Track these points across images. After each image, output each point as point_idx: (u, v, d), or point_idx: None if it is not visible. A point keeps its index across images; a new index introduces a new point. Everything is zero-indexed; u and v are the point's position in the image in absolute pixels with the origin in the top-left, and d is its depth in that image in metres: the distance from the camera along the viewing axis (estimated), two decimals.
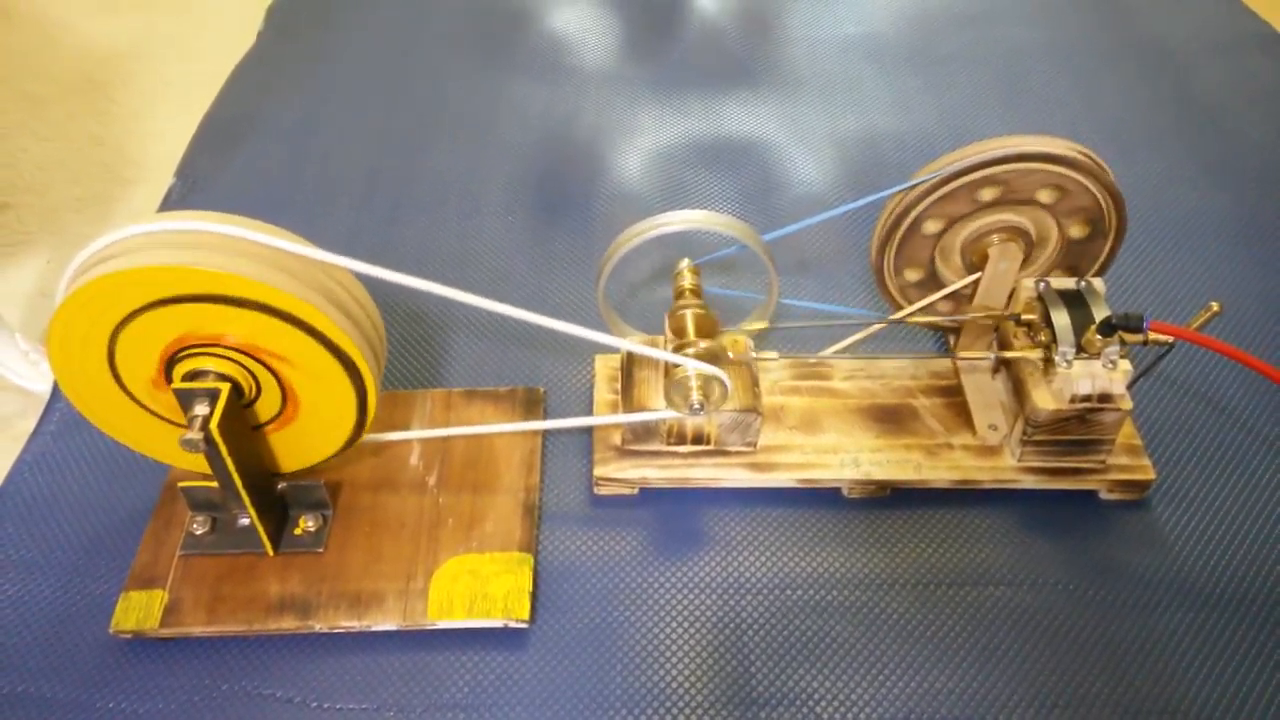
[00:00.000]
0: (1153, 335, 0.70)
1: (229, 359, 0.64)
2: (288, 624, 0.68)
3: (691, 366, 0.71)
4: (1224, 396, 0.86)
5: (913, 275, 0.81)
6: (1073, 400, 0.73)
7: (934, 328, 0.86)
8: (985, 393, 0.82)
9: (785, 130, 1.17)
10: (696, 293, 0.79)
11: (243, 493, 0.67)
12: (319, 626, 0.68)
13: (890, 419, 0.81)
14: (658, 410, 0.75)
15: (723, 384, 0.72)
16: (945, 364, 0.85)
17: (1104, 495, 0.78)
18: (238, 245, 0.61)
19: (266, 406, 0.68)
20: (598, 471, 0.78)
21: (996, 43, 1.30)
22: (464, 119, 1.20)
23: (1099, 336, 0.71)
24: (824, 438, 0.80)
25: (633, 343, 0.75)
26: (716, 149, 1.15)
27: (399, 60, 1.29)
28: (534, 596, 0.71)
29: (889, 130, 1.16)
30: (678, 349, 0.74)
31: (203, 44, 1.36)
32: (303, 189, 1.10)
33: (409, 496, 0.76)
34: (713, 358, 0.73)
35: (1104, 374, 0.72)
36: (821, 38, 1.32)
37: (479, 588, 0.70)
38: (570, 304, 0.95)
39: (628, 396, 0.79)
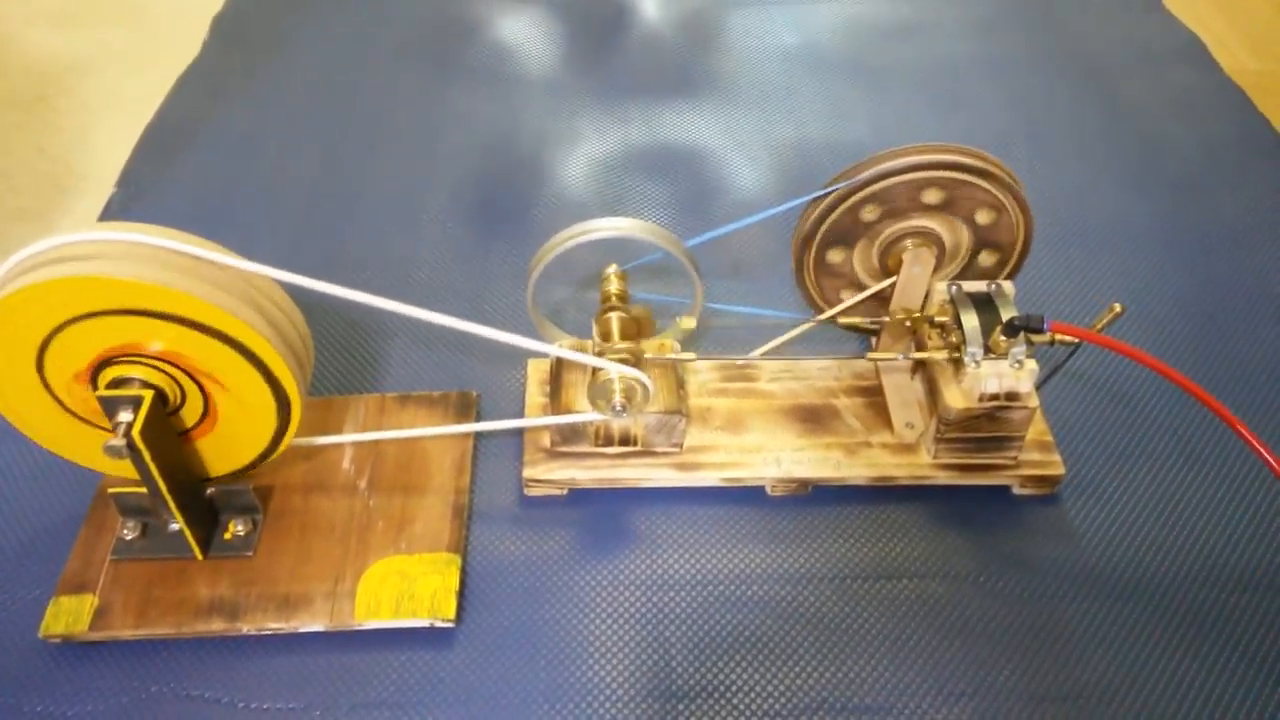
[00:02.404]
0: (1056, 336, 0.73)
1: (153, 366, 0.66)
2: (216, 626, 0.69)
3: (613, 370, 0.73)
4: (1133, 394, 0.89)
5: (846, 294, 0.83)
6: (981, 399, 0.75)
7: (855, 330, 0.88)
8: (903, 392, 0.85)
9: (723, 138, 1.19)
10: (623, 298, 0.81)
11: (169, 498, 0.68)
12: (247, 628, 0.69)
13: (813, 419, 0.84)
14: (584, 413, 0.77)
15: (644, 386, 0.74)
16: (867, 365, 0.88)
17: (1016, 490, 0.81)
18: (159, 255, 0.62)
19: (190, 413, 0.69)
20: (527, 473, 0.80)
21: (930, 55, 1.34)
22: (408, 129, 1.21)
23: (1004, 337, 0.74)
24: (748, 437, 0.82)
25: (558, 347, 0.77)
26: (656, 157, 1.17)
27: (344, 71, 1.31)
28: (461, 596, 0.73)
29: (824, 139, 1.19)
30: (600, 353, 0.76)
31: (152, 56, 1.36)
32: (246, 198, 1.11)
33: (340, 499, 0.77)
34: (635, 360, 0.75)
35: (1010, 373, 0.75)
36: (759, 48, 1.34)
37: (406, 588, 0.72)
38: (508, 310, 0.97)
39: (556, 400, 0.80)
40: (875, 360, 0.80)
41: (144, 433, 0.64)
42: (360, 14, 1.41)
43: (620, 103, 1.25)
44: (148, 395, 0.65)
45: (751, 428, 0.83)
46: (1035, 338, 0.74)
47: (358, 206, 1.10)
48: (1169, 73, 1.32)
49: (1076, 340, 0.73)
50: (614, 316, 0.78)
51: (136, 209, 1.09)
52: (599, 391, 0.74)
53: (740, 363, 0.88)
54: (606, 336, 0.78)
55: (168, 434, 0.68)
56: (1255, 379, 0.91)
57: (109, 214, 1.08)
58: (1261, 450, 0.68)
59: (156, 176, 1.14)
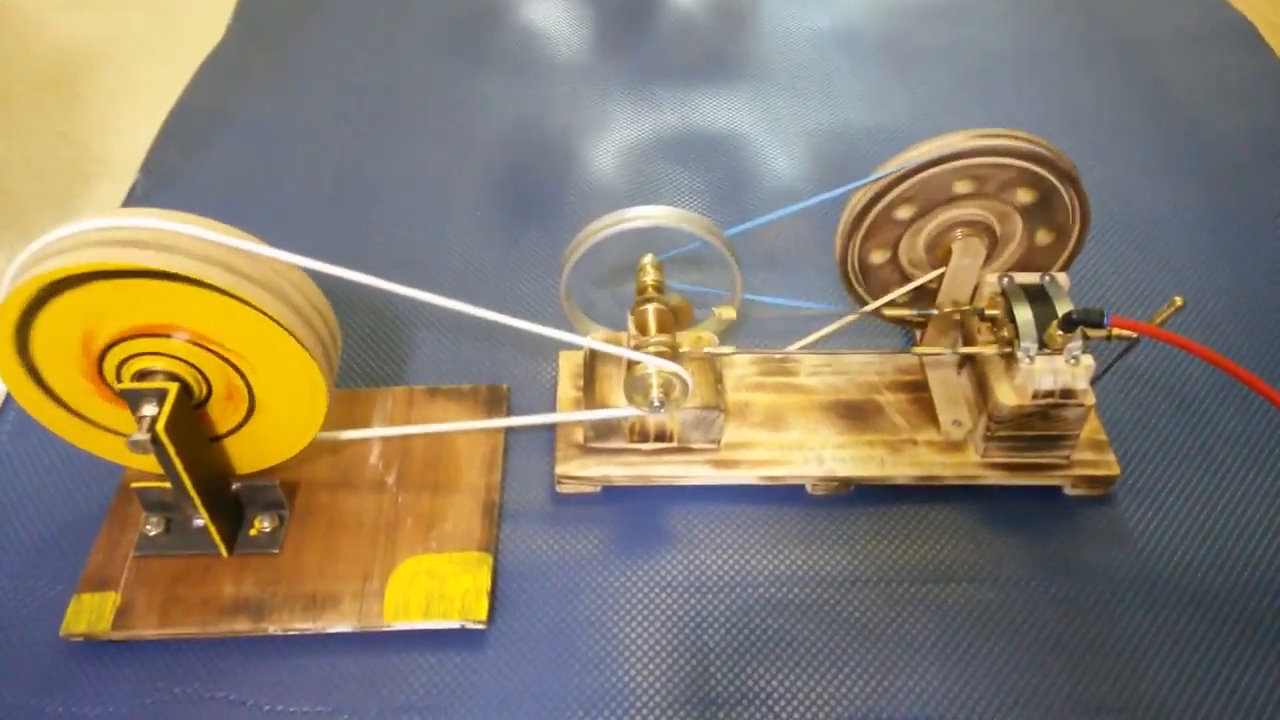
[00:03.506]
0: (1115, 331, 0.70)
1: (177, 358, 0.63)
2: (241, 626, 0.67)
3: (651, 364, 0.71)
4: (1189, 391, 0.85)
5: (879, 257, 0.80)
6: (1035, 396, 0.72)
7: (900, 323, 0.85)
8: (950, 388, 0.82)
9: (757, 124, 1.16)
10: (659, 288, 0.78)
11: (194, 494, 0.66)
12: (273, 629, 0.67)
13: (855, 415, 0.81)
14: (619, 408, 0.74)
15: (683, 381, 0.71)
16: (911, 359, 0.85)
17: (1068, 491, 0.78)
18: (187, 243, 0.60)
19: (217, 410, 0.67)
20: (559, 469, 0.77)
21: (969, 38, 1.29)
22: (436, 115, 1.18)
23: (1060, 332, 0.70)
24: (788, 434, 0.80)
25: (593, 339, 0.74)
26: (689, 143, 1.14)
27: (370, 58, 1.28)
28: (493, 597, 0.70)
29: (860, 124, 1.15)
30: (637, 346, 0.73)
31: (175, 41, 1.34)
32: (271, 185, 1.09)
33: (367, 496, 0.75)
34: (673, 354, 0.72)
35: (1066, 370, 0.71)
36: (794, 31, 1.31)
37: (436, 588, 0.69)
38: (539, 300, 0.94)
39: (590, 394, 0.78)
40: (921, 355, 0.77)
41: (168, 427, 0.62)
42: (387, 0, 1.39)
43: (652, 88, 1.21)
44: (173, 388, 0.63)
45: (791, 424, 0.80)
46: (1092, 332, 0.71)
47: (385, 195, 1.07)
48: (1215, 56, 1.27)
49: (1136, 335, 0.70)
50: (651, 308, 0.76)
51: (160, 196, 1.07)
52: (635, 385, 0.71)
53: (779, 356, 0.85)
54: (643, 329, 0.75)
55: (192, 428, 0.66)
56: None
57: (132, 200, 1.07)
58: None
59: (180, 163, 1.11)
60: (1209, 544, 0.75)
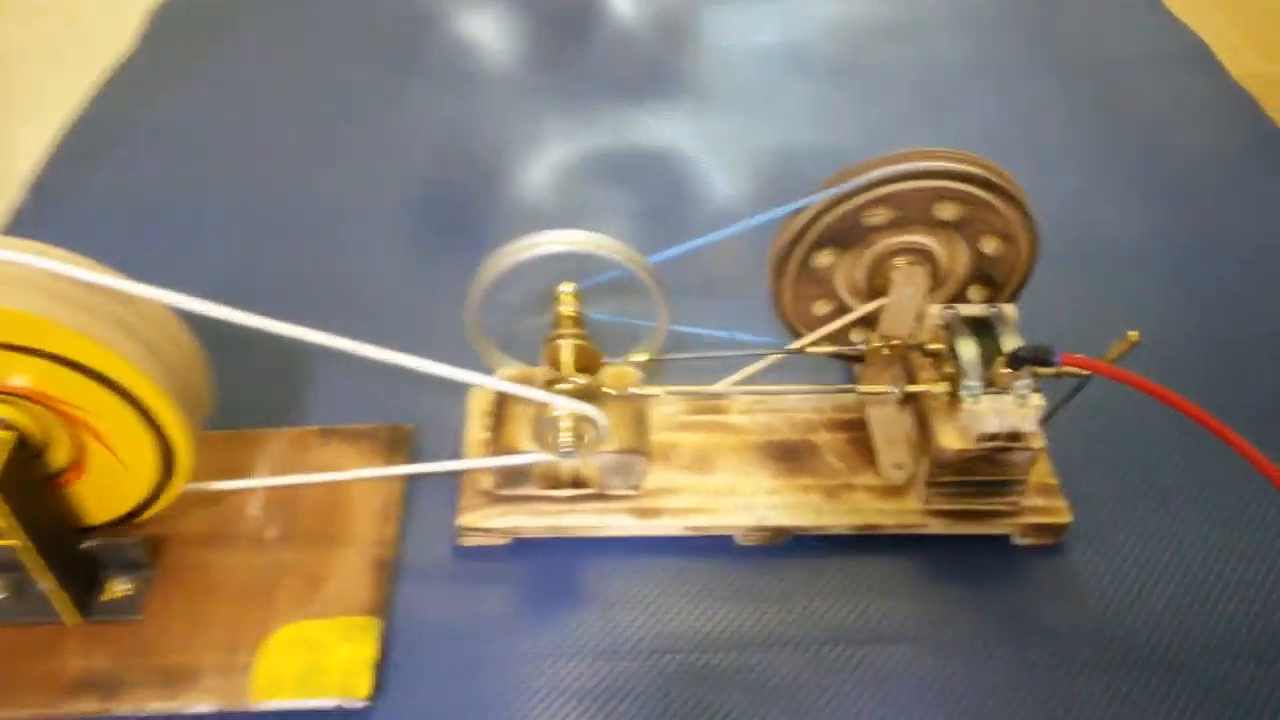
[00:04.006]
0: (1066, 369, 0.64)
1: (13, 404, 0.56)
2: (87, 706, 0.59)
3: (561, 405, 0.64)
4: (1144, 429, 0.80)
5: (821, 308, 0.74)
6: (979, 439, 0.66)
7: (837, 357, 0.79)
8: (891, 428, 0.76)
9: (698, 143, 1.10)
10: (577, 321, 0.71)
11: (35, 554, 0.58)
12: (123, 709, 0.59)
13: (789, 457, 0.75)
14: (527, 452, 0.67)
15: (595, 425, 0.64)
16: (850, 396, 0.79)
17: (1017, 540, 0.72)
18: (25, 275, 0.53)
19: (60, 454, 0.59)
20: (462, 520, 0.70)
21: (920, 55, 1.25)
22: (358, 131, 1.11)
23: (1007, 370, 0.65)
24: (717, 478, 0.73)
25: (499, 377, 0.67)
26: (626, 163, 1.08)
27: (288, 69, 1.21)
28: (379, 669, 0.63)
29: (807, 143, 1.10)
30: (548, 384, 0.66)
31: (82, 49, 1.27)
32: (177, 207, 1.01)
33: (244, 553, 0.67)
34: (587, 394, 0.66)
35: (1013, 410, 0.66)
36: (739, 46, 1.25)
37: (314, 660, 0.62)
38: (459, 332, 0.87)
39: (498, 436, 0.71)
40: (858, 394, 0.71)
41: (4, 481, 0.54)
42: (311, 8, 1.32)
43: (588, 105, 1.15)
44: (7, 438, 0.56)
45: (720, 467, 0.74)
46: (1042, 370, 0.65)
47: (300, 216, 1.00)
48: (1172, 75, 1.23)
49: (1088, 373, 0.64)
50: (565, 343, 0.69)
51: (52, 218, 0.99)
52: (544, 428, 0.65)
53: (709, 393, 0.79)
54: (556, 365, 0.68)
55: (32, 480, 0.58)
56: (1275, 411, 0.82)
57: (19, 224, 0.98)
58: None
59: (75, 183, 1.03)
60: (1167, 598, 0.69)
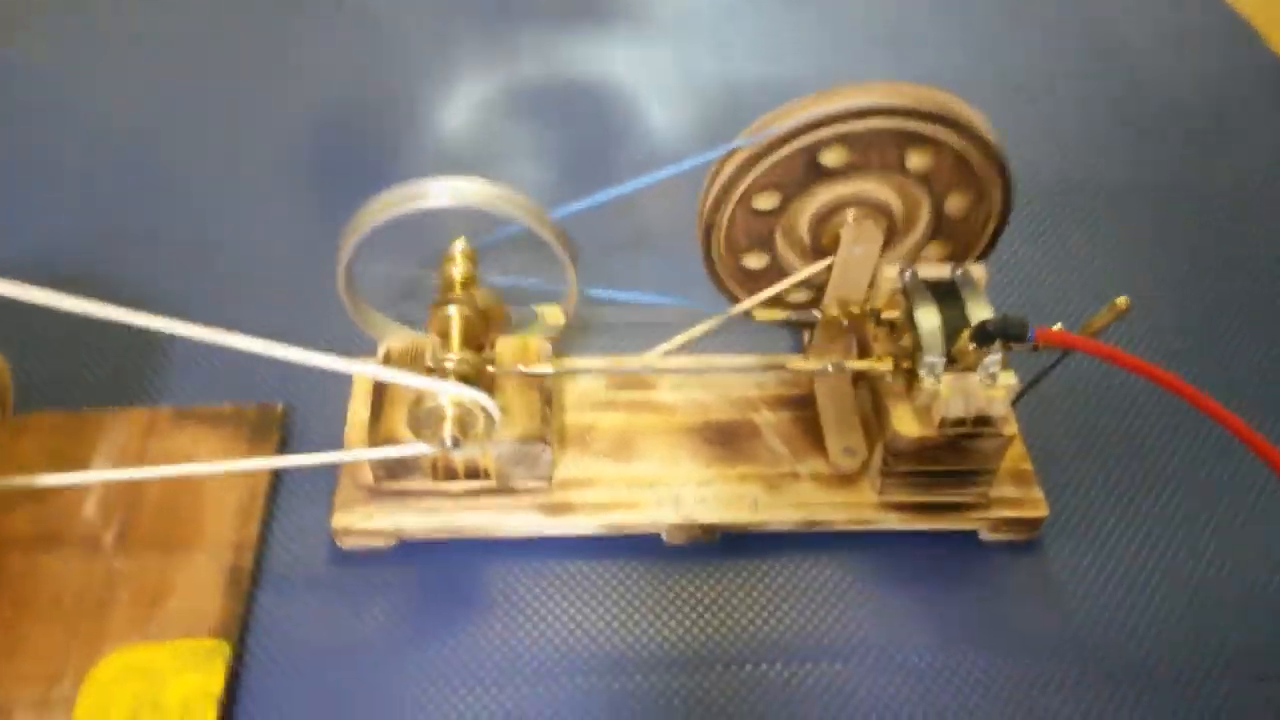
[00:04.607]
0: (1041, 344, 0.54)
1: None
2: None
3: (442, 391, 0.53)
4: (1134, 405, 0.71)
5: (753, 261, 0.64)
6: (942, 425, 0.57)
7: (786, 325, 0.69)
8: (842, 406, 0.66)
9: (634, 75, 0.98)
10: (470, 284, 0.60)
11: None
12: None
13: (725, 440, 0.65)
14: (406, 443, 0.57)
15: (487, 412, 0.54)
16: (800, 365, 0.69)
17: (985, 536, 0.63)
18: None
19: None
20: (337, 520, 0.59)
21: None
22: (243, 66, 0.98)
23: (973, 345, 0.55)
24: (640, 466, 0.63)
25: (364, 363, 0.56)
26: (551, 98, 0.95)
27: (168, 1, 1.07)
28: (227, 704, 0.53)
29: (756, 77, 0.98)
30: (433, 362, 0.56)
31: None
32: (23, 154, 0.88)
33: (75, 561, 0.56)
34: (477, 374, 0.55)
35: (981, 391, 0.56)
36: None
37: (149, 693, 0.51)
38: None
39: (378, 421, 0.60)
40: (799, 371, 0.61)
41: None
42: None
43: (508, 31, 1.02)
44: None
45: (645, 453, 0.64)
46: (1015, 345, 0.55)
47: (176, 166, 0.87)
48: (1166, 8, 1.12)
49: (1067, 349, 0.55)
50: (454, 311, 0.58)
51: None
52: (423, 418, 0.54)
53: (634, 365, 0.68)
54: (444, 337, 0.58)
55: None
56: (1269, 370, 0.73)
57: None
58: None
59: None
60: (1153, 604, 0.60)
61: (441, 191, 0.57)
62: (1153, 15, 1.08)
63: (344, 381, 0.67)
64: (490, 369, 0.57)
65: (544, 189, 0.86)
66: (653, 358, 0.62)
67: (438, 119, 0.93)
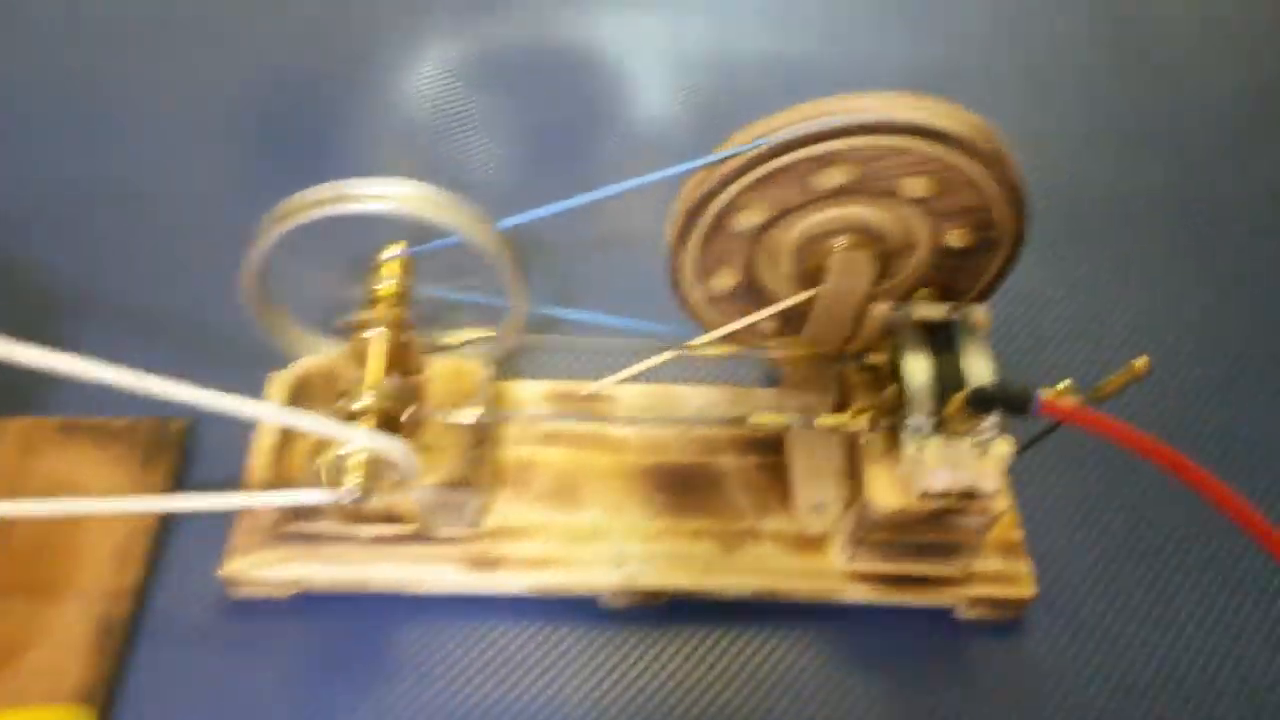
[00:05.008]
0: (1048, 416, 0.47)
1: None
2: None
3: (353, 440, 0.46)
4: (1137, 466, 0.63)
5: (724, 281, 0.55)
6: (924, 496, 0.49)
7: (750, 358, 0.61)
8: (816, 454, 0.58)
9: (619, 45, 0.88)
10: (399, 301, 0.52)
11: None
12: None
13: (680, 487, 0.57)
14: (305, 489, 0.49)
15: (402, 463, 0.47)
16: (772, 403, 0.61)
17: (963, 614, 0.56)
18: None
19: None
20: (229, 567, 0.52)
21: None
22: (178, 21, 0.88)
23: (967, 411, 0.47)
24: (581, 515, 0.56)
25: (262, 403, 0.48)
26: (526, 67, 0.86)
27: None
28: None
29: (756, 52, 0.88)
30: (340, 398, 0.48)
31: None
32: None
33: None
34: (396, 412, 0.48)
35: (972, 461, 0.48)
36: None
37: None
38: (292, 284, 0.68)
39: (283, 452, 0.53)
40: (760, 426, 0.53)
41: None
42: None
43: None
44: None
45: (589, 499, 0.56)
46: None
47: (97, 130, 0.78)
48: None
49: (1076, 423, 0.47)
50: (374, 337, 0.50)
51: None
52: (327, 464, 0.47)
53: (586, 392, 0.61)
54: (361, 365, 0.50)
55: None
56: None
57: None
58: None
59: None
60: (1150, 696, 0.54)
61: (367, 196, 0.49)
62: (1198, 18, 0.98)
63: (256, 389, 0.60)
64: (409, 412, 0.49)
65: (510, 174, 0.78)
66: (607, 384, 0.55)
67: (396, 90, 0.83)
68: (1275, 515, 0.60)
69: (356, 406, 0.47)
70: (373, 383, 0.48)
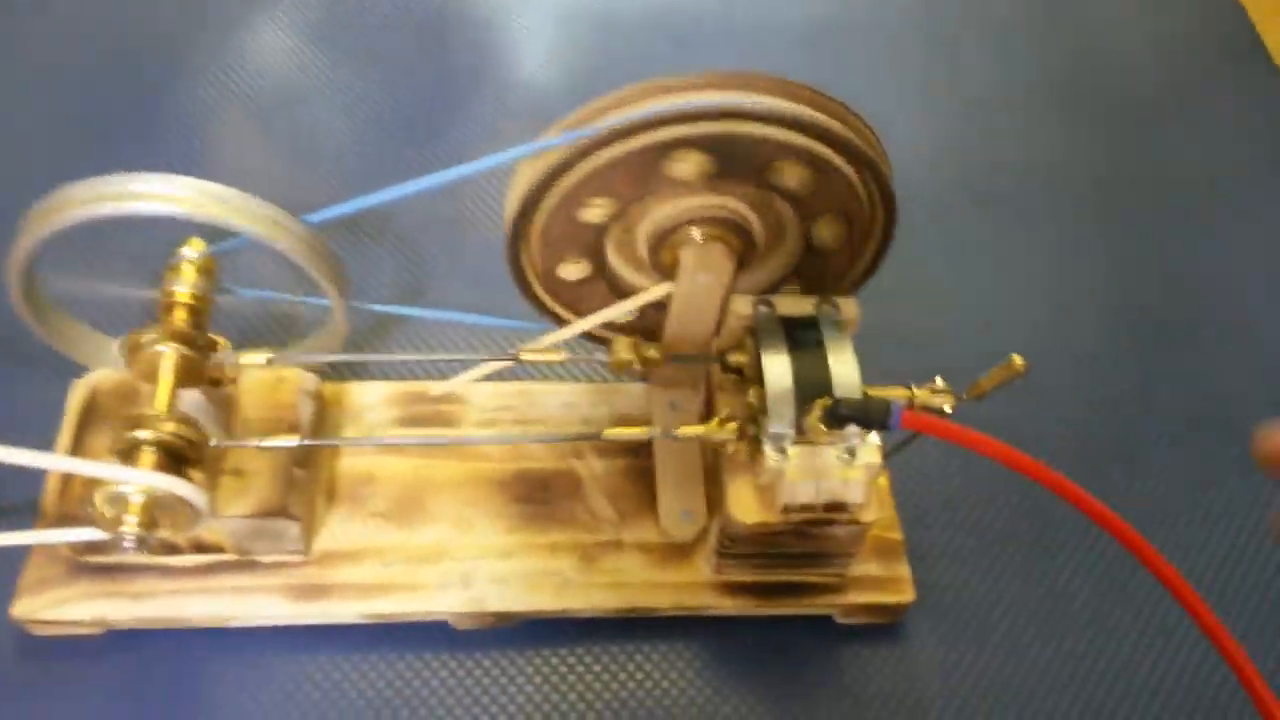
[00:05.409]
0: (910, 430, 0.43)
1: None
2: None
3: (131, 480, 0.40)
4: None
5: (571, 271, 0.50)
6: (787, 510, 0.45)
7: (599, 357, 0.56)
8: (683, 458, 0.54)
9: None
10: (197, 309, 0.46)
11: None
12: None
13: (536, 497, 0.52)
14: (86, 527, 0.43)
15: (189, 504, 0.41)
16: (637, 401, 0.57)
17: (840, 619, 0.53)
18: None
19: None
20: (21, 606, 0.46)
21: None
22: None
23: (824, 426, 0.43)
24: (425, 533, 0.51)
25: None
26: (383, 22, 0.78)
27: None
28: None
29: (643, 9, 0.82)
30: (129, 425, 0.42)
31: None
32: None
33: None
34: (194, 441, 0.42)
35: (836, 471, 0.44)
36: None
37: None
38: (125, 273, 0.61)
39: (68, 485, 0.47)
40: (613, 438, 0.48)
41: None
42: None
43: None
44: None
45: (434, 514, 0.51)
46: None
47: None
48: None
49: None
50: (167, 352, 0.44)
51: None
52: (107, 504, 0.41)
53: (437, 392, 0.55)
54: (151, 383, 0.44)
55: None
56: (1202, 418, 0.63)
57: None
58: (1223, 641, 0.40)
59: None
60: (1043, 703, 0.51)
61: (150, 193, 0.42)
62: None
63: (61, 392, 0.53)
64: (210, 441, 0.43)
65: (367, 147, 0.71)
66: (459, 382, 0.50)
67: (239, 51, 0.75)
68: (1163, 509, 0.58)
69: (140, 436, 0.41)
70: (160, 407, 0.42)
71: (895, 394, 0.46)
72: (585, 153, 0.42)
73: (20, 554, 0.48)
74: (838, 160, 0.43)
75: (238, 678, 0.48)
